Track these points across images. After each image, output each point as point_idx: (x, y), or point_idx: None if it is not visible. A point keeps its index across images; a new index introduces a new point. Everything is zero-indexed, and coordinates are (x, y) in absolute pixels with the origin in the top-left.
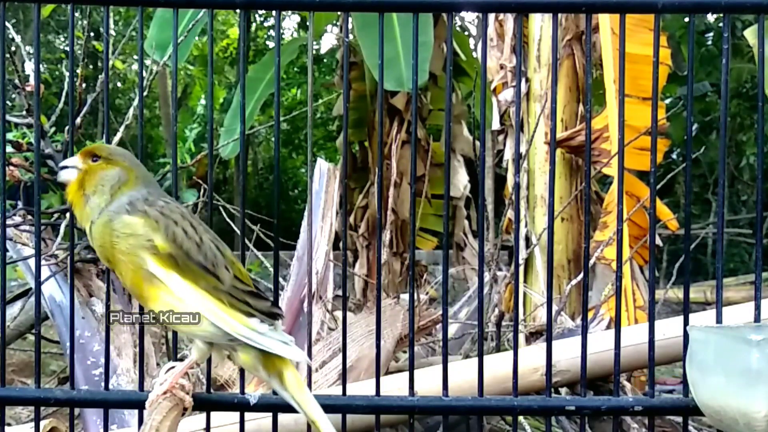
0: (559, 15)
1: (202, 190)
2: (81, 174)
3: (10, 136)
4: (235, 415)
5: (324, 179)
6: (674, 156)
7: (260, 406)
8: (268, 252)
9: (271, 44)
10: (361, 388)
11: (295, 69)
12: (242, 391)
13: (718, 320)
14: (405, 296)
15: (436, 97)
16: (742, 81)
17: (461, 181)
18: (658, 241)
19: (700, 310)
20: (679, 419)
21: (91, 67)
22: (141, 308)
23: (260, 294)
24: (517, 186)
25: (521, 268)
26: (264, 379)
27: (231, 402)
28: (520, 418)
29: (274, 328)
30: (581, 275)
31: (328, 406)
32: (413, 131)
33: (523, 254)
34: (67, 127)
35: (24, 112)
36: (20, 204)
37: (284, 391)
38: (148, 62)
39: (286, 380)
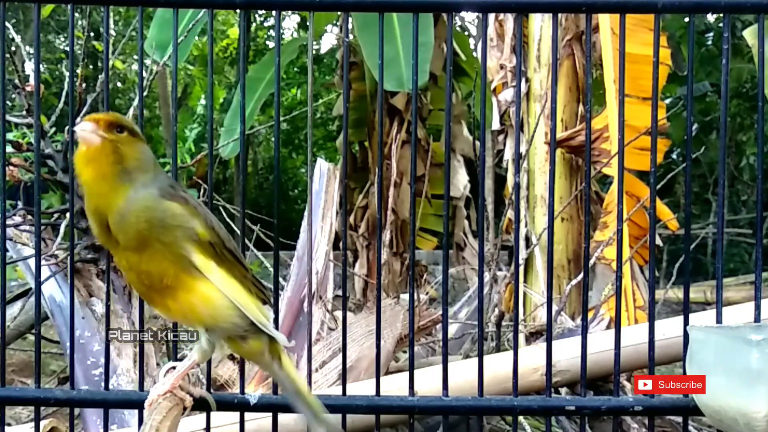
0: (559, 15)
1: (202, 190)
2: (107, 144)
3: (10, 136)
4: (235, 415)
5: (324, 179)
6: (674, 156)
7: (260, 406)
8: (268, 252)
9: (271, 44)
10: (361, 388)
11: (295, 69)
12: (242, 391)
13: (718, 320)
14: (405, 296)
15: (436, 97)
16: (742, 81)
17: (461, 181)
18: (658, 241)
19: (700, 310)
20: (679, 419)
21: (91, 67)
22: (141, 308)
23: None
24: (517, 186)
25: (521, 268)
26: (265, 364)
27: (231, 402)
28: (520, 418)
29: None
30: (581, 275)
31: (329, 406)
32: (413, 131)
33: (523, 254)
34: (67, 127)
35: (24, 112)
36: (20, 204)
37: (281, 371)
38: (148, 62)
39: (284, 362)
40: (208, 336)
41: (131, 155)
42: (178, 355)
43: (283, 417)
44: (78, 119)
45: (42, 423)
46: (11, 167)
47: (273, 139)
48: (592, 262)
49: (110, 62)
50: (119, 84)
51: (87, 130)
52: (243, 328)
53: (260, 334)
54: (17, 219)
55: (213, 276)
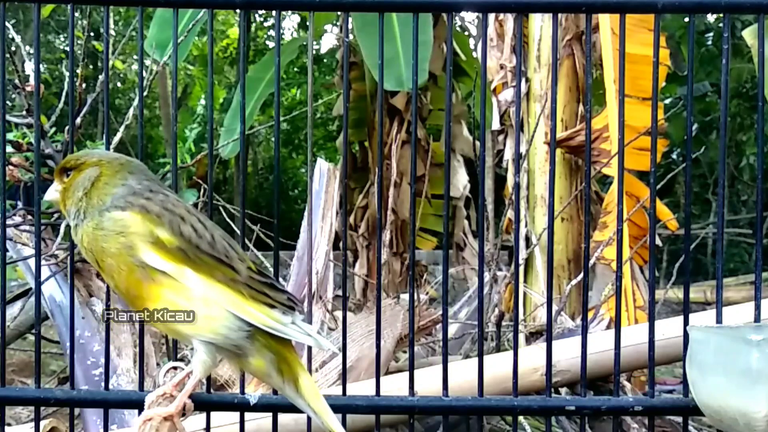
0: (559, 15)
1: (202, 190)
2: (60, 194)
3: (10, 136)
4: (235, 415)
5: (324, 179)
6: (674, 156)
7: (260, 406)
8: (268, 252)
9: (271, 44)
10: (361, 388)
11: (295, 69)
12: (242, 391)
13: (718, 320)
14: (405, 296)
15: (436, 97)
16: (742, 81)
17: (461, 181)
18: (658, 241)
19: (700, 310)
20: (679, 419)
21: (91, 67)
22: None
23: (277, 285)
24: (517, 186)
25: (521, 268)
26: (276, 386)
27: (231, 402)
28: (520, 418)
29: (296, 318)
30: (581, 275)
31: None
32: (413, 131)
33: (523, 254)
34: (67, 127)
35: (24, 112)
36: (20, 204)
37: (299, 398)
38: (148, 62)
39: (302, 387)
40: (206, 348)
41: (69, 196)
42: (179, 355)
43: (283, 417)
44: (80, 120)
45: (42, 423)
46: (11, 167)
47: (273, 139)
48: (592, 262)
49: (110, 62)
50: (119, 84)
51: (51, 190)
52: (237, 341)
53: (263, 351)
54: (17, 219)
55: (188, 281)
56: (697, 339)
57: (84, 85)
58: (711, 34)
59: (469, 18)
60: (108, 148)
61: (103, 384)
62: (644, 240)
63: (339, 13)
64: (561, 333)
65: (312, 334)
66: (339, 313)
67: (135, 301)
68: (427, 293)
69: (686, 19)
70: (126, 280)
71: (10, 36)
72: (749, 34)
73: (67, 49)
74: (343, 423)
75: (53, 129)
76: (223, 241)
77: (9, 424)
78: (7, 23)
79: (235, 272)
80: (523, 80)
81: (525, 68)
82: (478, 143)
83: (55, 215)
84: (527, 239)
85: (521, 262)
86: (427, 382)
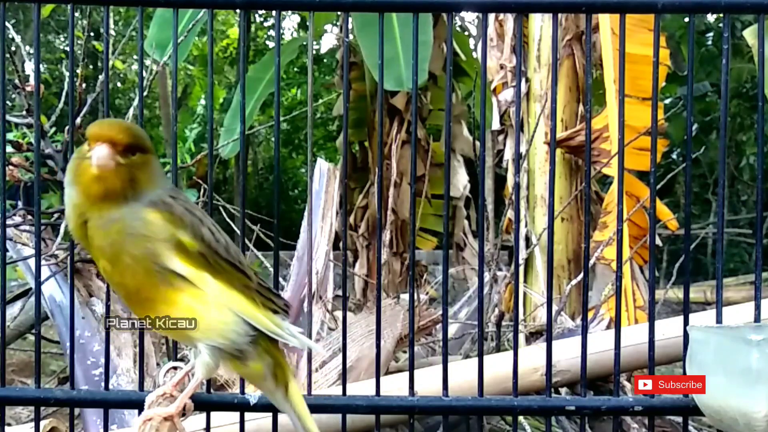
0: (559, 15)
1: (202, 190)
2: (122, 169)
3: (10, 136)
4: (235, 415)
5: (324, 179)
6: (674, 156)
7: (260, 406)
8: (268, 252)
9: (271, 44)
10: (361, 388)
11: (295, 69)
12: (242, 391)
13: (718, 320)
14: (405, 296)
15: (436, 97)
16: (742, 81)
17: (461, 181)
18: (658, 241)
19: (700, 310)
20: (679, 419)
21: (91, 67)
22: None
23: (273, 290)
24: (517, 186)
25: (521, 268)
26: (267, 390)
27: (231, 402)
28: (520, 418)
29: (288, 323)
30: (581, 275)
31: (328, 406)
32: (413, 131)
33: (523, 254)
34: (67, 127)
35: (24, 112)
36: (20, 204)
37: (286, 402)
38: (148, 62)
39: (291, 391)
40: (209, 351)
41: (143, 178)
42: (179, 355)
43: (283, 417)
44: (80, 120)
45: (42, 423)
46: (11, 167)
47: (273, 139)
48: (592, 262)
49: (110, 62)
50: (119, 84)
51: (103, 156)
52: (242, 345)
53: (263, 356)
54: (17, 219)
55: (207, 287)
56: (697, 339)
57: (84, 85)
58: (711, 34)
59: (469, 18)
60: None
61: (103, 384)
62: (644, 240)
63: (339, 13)
64: (561, 333)
65: (310, 343)
66: (339, 313)
67: (144, 304)
68: (427, 293)
69: (686, 19)
70: (140, 282)
71: (10, 36)
72: (749, 34)
73: (67, 49)
74: (343, 423)
75: (53, 129)
76: (234, 247)
77: (9, 424)
78: (7, 23)
79: (248, 279)
80: (523, 80)
81: (525, 68)
82: (478, 143)
83: (55, 215)
84: (527, 239)
85: (521, 262)
86: (427, 382)
